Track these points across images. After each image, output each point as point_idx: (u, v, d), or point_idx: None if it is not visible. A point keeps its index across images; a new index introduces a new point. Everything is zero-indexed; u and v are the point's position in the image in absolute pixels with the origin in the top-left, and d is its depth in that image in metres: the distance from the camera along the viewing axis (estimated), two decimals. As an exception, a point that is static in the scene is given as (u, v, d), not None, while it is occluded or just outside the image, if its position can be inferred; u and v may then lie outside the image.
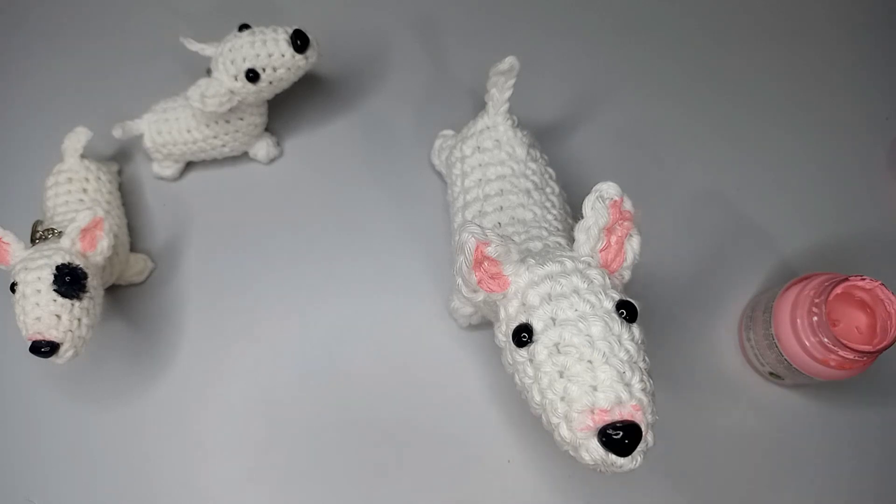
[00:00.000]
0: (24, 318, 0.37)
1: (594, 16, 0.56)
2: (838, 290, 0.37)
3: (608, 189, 0.30)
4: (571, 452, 0.28)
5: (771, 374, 0.42)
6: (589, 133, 0.52)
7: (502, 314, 0.31)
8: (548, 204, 0.39)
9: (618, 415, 0.26)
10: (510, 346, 0.30)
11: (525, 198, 0.39)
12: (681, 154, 0.51)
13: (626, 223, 0.30)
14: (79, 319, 0.38)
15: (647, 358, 0.29)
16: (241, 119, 0.47)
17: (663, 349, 0.44)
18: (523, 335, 0.29)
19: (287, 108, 0.52)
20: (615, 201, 0.30)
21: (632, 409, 0.26)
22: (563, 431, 0.27)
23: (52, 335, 0.37)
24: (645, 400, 0.27)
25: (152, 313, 0.47)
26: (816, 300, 0.37)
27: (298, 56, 0.43)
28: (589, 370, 0.27)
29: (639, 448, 0.26)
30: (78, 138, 0.46)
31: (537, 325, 0.29)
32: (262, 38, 0.42)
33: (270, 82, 0.44)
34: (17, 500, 0.43)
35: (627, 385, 0.27)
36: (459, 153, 0.42)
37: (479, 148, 0.41)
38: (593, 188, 0.30)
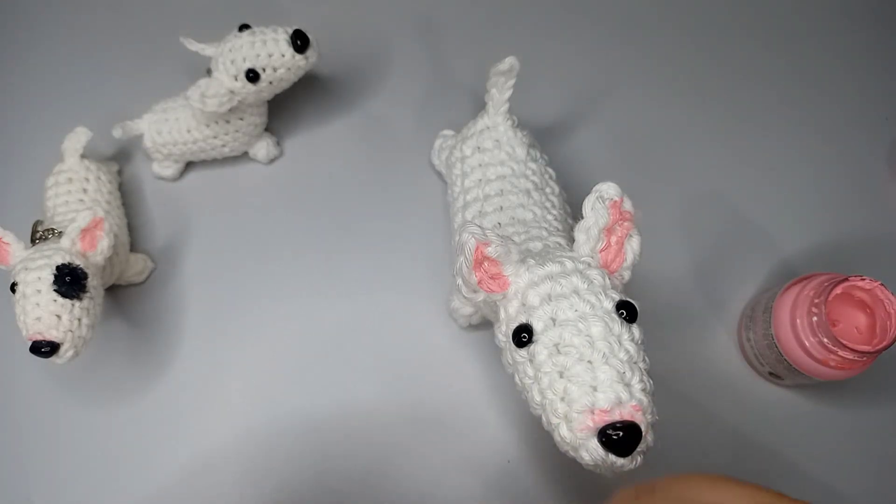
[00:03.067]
0: (24, 318, 0.37)
1: (594, 16, 0.56)
2: (838, 290, 0.37)
3: (608, 189, 0.30)
4: (571, 453, 0.28)
5: (771, 374, 0.42)
6: (589, 133, 0.52)
7: (502, 314, 0.31)
8: (548, 204, 0.39)
9: (618, 415, 0.26)
10: (510, 347, 0.30)
11: (525, 198, 0.39)
12: (681, 154, 0.51)
13: (626, 223, 0.30)
14: (79, 319, 0.38)
15: (646, 358, 0.29)
16: (241, 119, 0.47)
17: (663, 349, 0.44)
18: (523, 335, 0.29)
19: (287, 108, 0.52)
20: (615, 202, 0.30)
21: (632, 409, 0.26)
22: (563, 431, 0.27)
23: (52, 335, 0.37)
24: (645, 400, 0.27)
25: (152, 313, 0.47)
26: (816, 300, 0.37)
27: (298, 56, 0.43)
28: (589, 370, 0.27)
29: (639, 448, 0.26)
30: (78, 138, 0.46)
31: (537, 326, 0.29)
32: (262, 39, 0.42)
33: (270, 82, 0.44)
34: (18, 500, 0.43)
35: (627, 385, 0.27)
36: (459, 153, 0.42)
37: (479, 148, 0.41)
38: (593, 188, 0.30)
